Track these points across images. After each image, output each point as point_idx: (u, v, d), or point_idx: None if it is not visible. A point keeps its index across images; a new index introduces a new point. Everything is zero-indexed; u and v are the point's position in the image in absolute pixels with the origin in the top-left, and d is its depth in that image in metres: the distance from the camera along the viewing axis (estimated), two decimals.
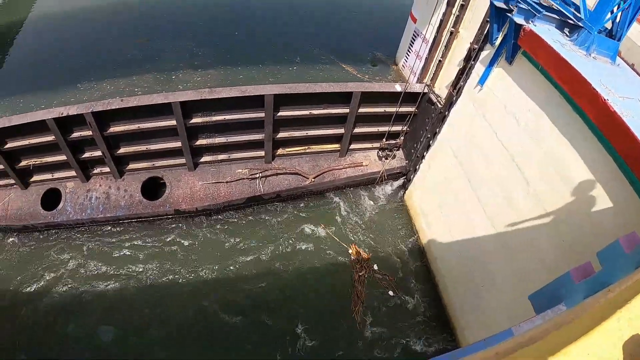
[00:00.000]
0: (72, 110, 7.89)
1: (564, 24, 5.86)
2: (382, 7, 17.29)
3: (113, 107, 7.81)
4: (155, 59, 11.10)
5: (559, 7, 5.82)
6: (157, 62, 10.94)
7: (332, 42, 13.05)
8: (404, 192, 10.32)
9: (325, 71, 11.51)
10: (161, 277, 8.35)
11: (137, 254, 8.63)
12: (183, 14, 14.02)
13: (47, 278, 8.25)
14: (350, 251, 9.06)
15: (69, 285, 8.18)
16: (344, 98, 8.81)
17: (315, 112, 8.89)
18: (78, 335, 7.58)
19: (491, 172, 6.96)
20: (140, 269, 8.41)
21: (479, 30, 7.01)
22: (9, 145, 8.32)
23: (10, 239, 8.91)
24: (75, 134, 8.21)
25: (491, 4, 6.23)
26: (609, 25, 5.87)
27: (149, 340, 7.57)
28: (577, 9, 5.78)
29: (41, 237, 8.97)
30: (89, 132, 8.08)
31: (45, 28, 15.64)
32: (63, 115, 7.87)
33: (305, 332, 7.82)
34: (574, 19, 5.75)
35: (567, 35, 5.83)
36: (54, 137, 8.14)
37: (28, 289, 8.10)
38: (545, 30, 5.61)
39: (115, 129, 8.21)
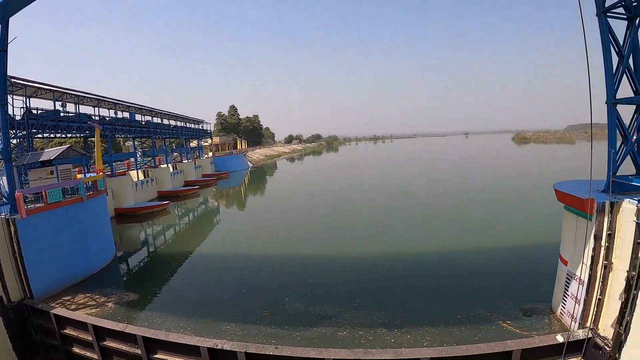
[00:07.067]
0: (227, 346, 8.23)
1: None
2: (518, 254, 16.96)
3: (267, 353, 7.89)
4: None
5: None
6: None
7: (474, 297, 12.36)
8: None
9: (481, 330, 10.17)
10: None
11: None
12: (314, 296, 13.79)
13: None
14: None
15: None
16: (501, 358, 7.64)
17: None
18: None
19: None
20: None
21: (632, 254, 6.37)
22: (159, 356, 8.55)
23: None
24: None
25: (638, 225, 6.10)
26: None
27: None
28: None
29: None
30: None
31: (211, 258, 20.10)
32: (217, 347, 8.19)
33: None
34: None
35: None
36: None
37: None
38: None
39: None
